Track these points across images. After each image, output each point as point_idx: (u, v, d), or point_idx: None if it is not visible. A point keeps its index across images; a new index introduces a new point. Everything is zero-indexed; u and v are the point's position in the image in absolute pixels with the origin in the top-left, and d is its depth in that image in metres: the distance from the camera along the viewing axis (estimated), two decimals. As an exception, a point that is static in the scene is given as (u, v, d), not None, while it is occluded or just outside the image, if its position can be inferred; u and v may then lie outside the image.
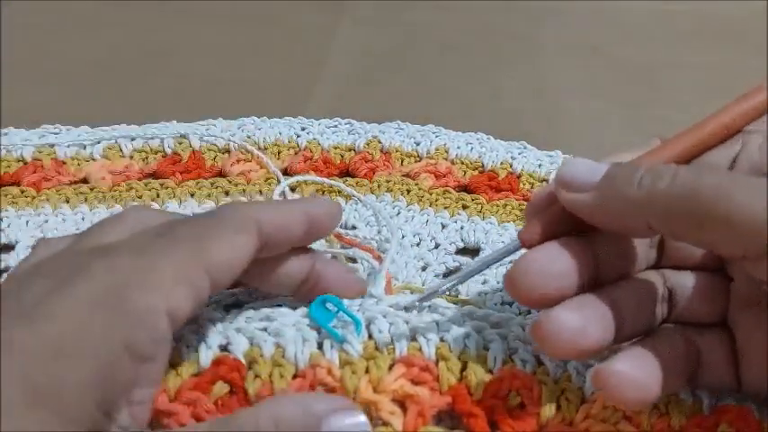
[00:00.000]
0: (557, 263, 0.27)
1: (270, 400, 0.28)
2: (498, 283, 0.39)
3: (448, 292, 0.34)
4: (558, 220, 0.29)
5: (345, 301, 0.32)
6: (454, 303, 0.34)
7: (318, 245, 0.41)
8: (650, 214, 0.26)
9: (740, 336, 0.29)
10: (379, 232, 0.42)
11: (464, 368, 0.30)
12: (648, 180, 0.26)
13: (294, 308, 0.32)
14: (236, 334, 0.31)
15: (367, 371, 0.29)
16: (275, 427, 0.26)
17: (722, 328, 0.30)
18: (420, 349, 0.31)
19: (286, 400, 0.27)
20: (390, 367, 0.30)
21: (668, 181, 0.25)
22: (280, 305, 0.33)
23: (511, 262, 0.29)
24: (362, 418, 0.27)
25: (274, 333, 0.31)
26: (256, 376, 0.29)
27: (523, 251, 0.29)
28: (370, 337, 0.31)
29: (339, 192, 0.44)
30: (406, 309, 0.32)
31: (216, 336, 0.31)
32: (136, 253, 0.27)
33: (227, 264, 0.28)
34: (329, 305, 0.31)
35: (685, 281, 0.31)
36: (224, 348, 0.31)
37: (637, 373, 0.27)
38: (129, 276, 0.26)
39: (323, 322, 0.31)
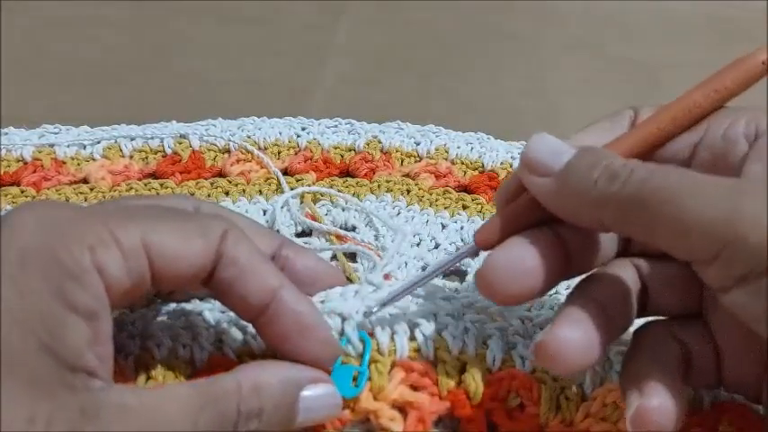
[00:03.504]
0: (527, 259, 0.27)
1: (250, 365, 0.28)
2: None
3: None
4: (524, 211, 0.28)
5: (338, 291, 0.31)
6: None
7: (317, 242, 0.41)
8: (603, 215, 0.26)
9: (716, 331, 0.29)
10: (376, 237, 0.42)
11: (463, 369, 0.30)
12: (603, 181, 0.25)
13: None
14: (230, 327, 0.31)
15: (368, 377, 0.29)
16: (256, 395, 0.26)
17: (703, 321, 0.29)
18: (419, 350, 0.30)
19: (266, 369, 0.27)
20: (391, 368, 0.30)
21: (621, 183, 0.25)
22: None
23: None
24: (335, 388, 0.28)
25: None
26: None
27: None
28: (372, 334, 0.31)
29: (332, 198, 0.44)
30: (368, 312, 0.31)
31: (209, 332, 0.31)
32: (78, 209, 0.26)
33: (172, 255, 0.26)
34: None
35: (657, 271, 0.30)
36: (219, 343, 0.30)
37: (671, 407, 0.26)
38: (58, 230, 0.25)
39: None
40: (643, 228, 0.25)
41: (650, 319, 0.31)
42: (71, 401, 0.23)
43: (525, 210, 0.28)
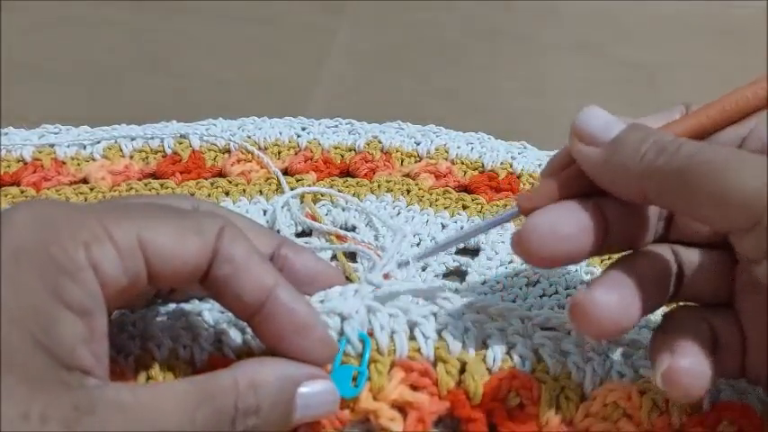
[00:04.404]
0: (567, 223, 0.28)
1: (247, 362, 0.28)
2: (498, 283, 0.39)
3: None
4: (571, 182, 0.29)
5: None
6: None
7: (317, 242, 0.41)
8: (647, 187, 0.27)
9: (744, 320, 0.29)
10: (376, 237, 0.42)
11: (463, 368, 0.30)
12: (652, 153, 0.26)
13: None
14: (230, 328, 0.31)
15: (367, 377, 0.29)
16: (254, 392, 0.26)
17: (733, 309, 0.30)
18: (419, 350, 0.30)
19: (263, 365, 0.27)
20: (390, 368, 0.30)
21: (668, 156, 0.26)
22: None
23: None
24: (333, 385, 0.28)
25: None
26: None
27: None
28: (371, 334, 0.31)
29: (331, 198, 0.44)
30: (401, 265, 0.31)
31: (209, 332, 0.31)
32: (73, 206, 0.26)
33: (168, 253, 0.26)
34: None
35: (694, 257, 0.31)
36: (218, 344, 0.30)
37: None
38: (53, 227, 0.25)
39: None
40: (685, 198, 0.26)
41: (681, 304, 0.31)
42: (65, 399, 0.23)
43: (571, 180, 0.29)
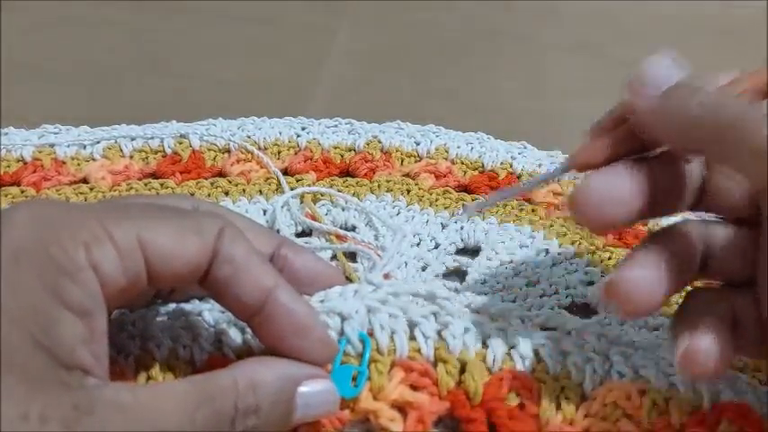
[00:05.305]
0: (622, 186, 0.28)
1: (247, 362, 0.28)
2: (498, 283, 0.39)
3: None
4: (623, 141, 0.29)
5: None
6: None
7: (317, 242, 0.41)
8: (695, 136, 0.27)
9: (764, 299, 0.29)
10: (376, 237, 0.42)
11: (463, 369, 0.30)
12: (700, 105, 0.27)
13: None
14: (229, 328, 0.31)
15: (367, 377, 0.29)
16: (253, 392, 0.26)
17: (755, 292, 0.29)
18: (419, 350, 0.30)
19: (263, 365, 0.27)
20: (390, 368, 0.30)
21: (715, 109, 0.26)
22: None
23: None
24: (333, 385, 0.28)
25: None
26: None
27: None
28: (371, 334, 0.31)
29: (331, 198, 0.44)
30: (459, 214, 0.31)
31: (209, 332, 0.31)
32: (73, 206, 0.26)
33: (168, 253, 0.26)
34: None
35: (721, 233, 0.31)
36: (218, 344, 0.30)
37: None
38: (52, 227, 0.25)
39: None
40: (728, 151, 0.26)
41: (702, 284, 0.31)
42: (65, 399, 0.23)
43: (623, 140, 0.29)
